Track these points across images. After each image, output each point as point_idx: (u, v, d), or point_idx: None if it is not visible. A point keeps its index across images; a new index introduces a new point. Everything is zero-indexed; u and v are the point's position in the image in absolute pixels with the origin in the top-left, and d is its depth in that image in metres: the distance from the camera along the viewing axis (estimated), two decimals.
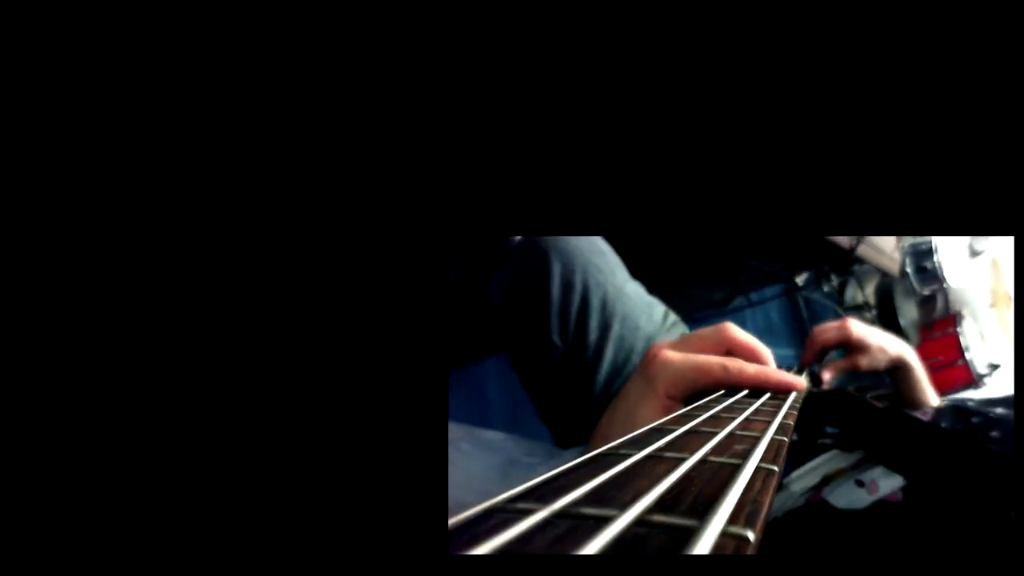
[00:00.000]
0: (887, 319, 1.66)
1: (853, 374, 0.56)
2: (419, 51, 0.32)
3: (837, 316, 2.01)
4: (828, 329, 0.56)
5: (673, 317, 0.72)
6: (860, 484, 0.36)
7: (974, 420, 0.38)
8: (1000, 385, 1.79)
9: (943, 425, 0.41)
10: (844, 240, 1.11)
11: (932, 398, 0.56)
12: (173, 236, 0.30)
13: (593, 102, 0.33)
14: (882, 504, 0.34)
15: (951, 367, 1.76)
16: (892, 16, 0.31)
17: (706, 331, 0.37)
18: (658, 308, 0.70)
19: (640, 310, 0.67)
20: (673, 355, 0.34)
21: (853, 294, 1.99)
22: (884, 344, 0.55)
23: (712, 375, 0.33)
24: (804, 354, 0.58)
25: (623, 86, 0.33)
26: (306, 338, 0.30)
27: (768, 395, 0.31)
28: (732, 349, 0.36)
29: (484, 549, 0.10)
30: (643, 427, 0.20)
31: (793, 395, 0.33)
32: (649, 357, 0.35)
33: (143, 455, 0.28)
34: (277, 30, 0.31)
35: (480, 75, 0.32)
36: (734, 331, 0.37)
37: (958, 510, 0.31)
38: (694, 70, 0.33)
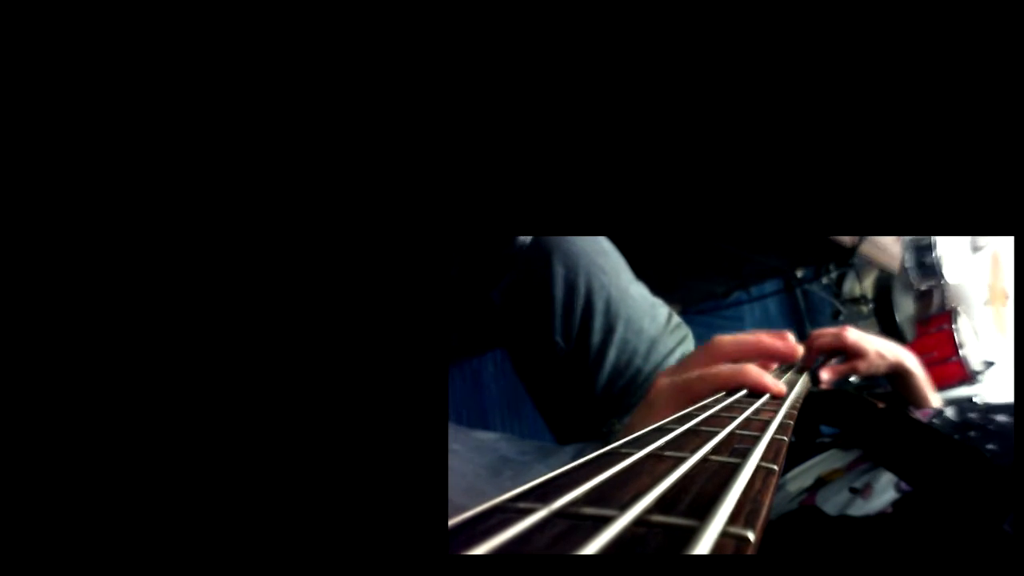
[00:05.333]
0: (884, 313, 1.67)
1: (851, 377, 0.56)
2: (427, 51, 0.31)
3: (834, 309, 2.01)
4: (824, 335, 0.56)
5: (676, 319, 0.72)
6: (854, 491, 0.36)
7: (971, 434, 0.38)
8: (999, 387, 1.80)
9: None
10: (846, 238, 1.11)
11: (933, 400, 0.56)
12: (178, 233, 0.30)
13: (596, 100, 0.33)
14: (873, 515, 0.34)
15: (945, 363, 1.77)
16: (894, 18, 0.31)
17: (698, 349, 0.41)
18: (661, 310, 0.70)
19: (643, 312, 0.67)
20: (663, 381, 0.38)
21: (851, 286, 1.99)
22: (882, 350, 0.55)
23: (693, 391, 0.35)
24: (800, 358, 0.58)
25: (628, 84, 0.33)
26: (305, 338, 0.30)
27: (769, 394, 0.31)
28: (727, 357, 0.39)
29: (484, 549, 0.10)
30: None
31: (794, 394, 0.33)
32: (650, 387, 0.39)
33: (141, 454, 0.28)
34: (278, 30, 0.30)
35: (481, 75, 0.32)
36: (722, 341, 0.40)
37: (950, 520, 0.31)
38: (698, 69, 0.32)
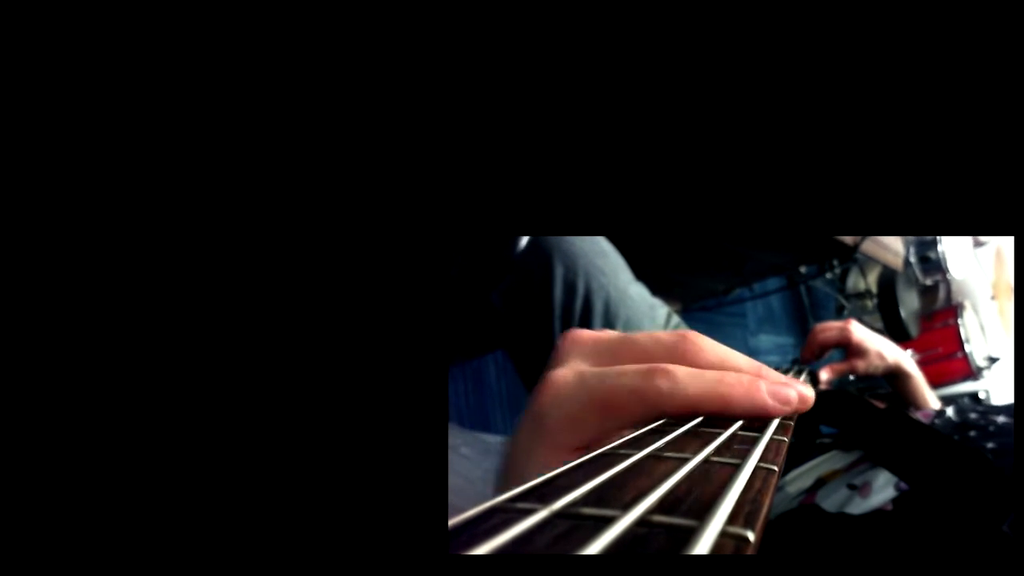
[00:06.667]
0: (888, 309, 1.66)
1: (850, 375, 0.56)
2: (426, 51, 0.31)
3: (838, 304, 2.01)
4: (830, 328, 0.56)
5: (676, 319, 0.72)
6: (852, 487, 0.36)
7: (971, 434, 0.38)
8: (1004, 382, 1.80)
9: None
10: (848, 236, 1.11)
11: (932, 402, 0.56)
12: (174, 234, 0.30)
13: (596, 100, 0.33)
14: (872, 512, 0.34)
15: (950, 359, 1.76)
16: (895, 17, 0.31)
17: (652, 337, 0.23)
18: (661, 310, 0.70)
19: (642, 313, 0.67)
20: (565, 375, 0.22)
21: (855, 282, 1.99)
22: (883, 350, 0.55)
23: (619, 410, 0.20)
24: (804, 352, 0.58)
25: (628, 84, 0.33)
26: (306, 339, 0.30)
27: None
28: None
29: (484, 549, 0.10)
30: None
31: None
32: (542, 380, 0.22)
33: (141, 455, 0.28)
34: (277, 29, 0.30)
35: (480, 75, 0.32)
36: (700, 342, 0.23)
37: (950, 519, 0.31)
38: (699, 68, 0.32)
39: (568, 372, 0.22)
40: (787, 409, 0.21)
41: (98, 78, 0.29)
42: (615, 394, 0.21)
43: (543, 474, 0.14)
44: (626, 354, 0.23)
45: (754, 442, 0.18)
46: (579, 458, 0.16)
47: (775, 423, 0.20)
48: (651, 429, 0.19)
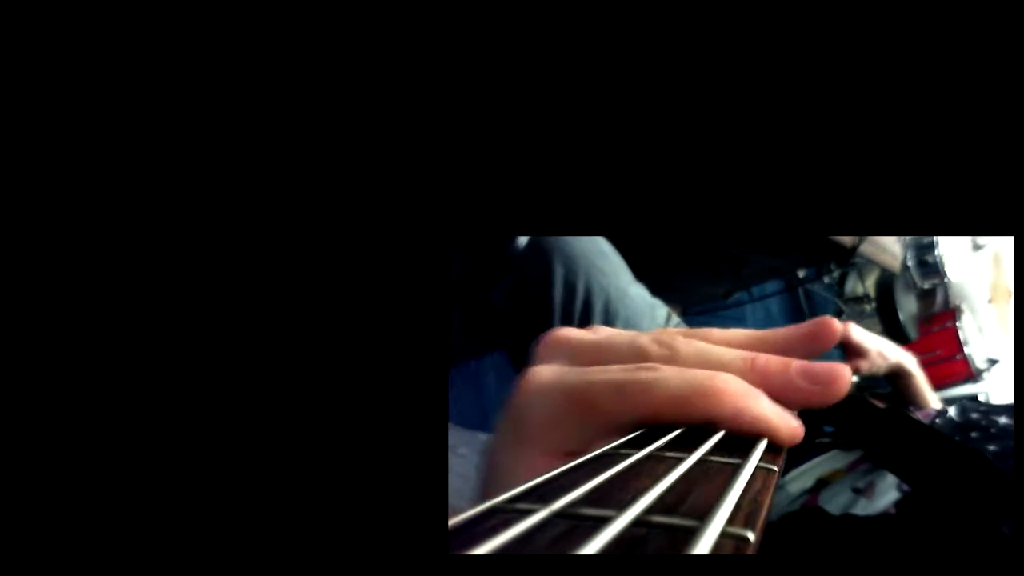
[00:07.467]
0: (886, 312, 1.67)
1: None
2: (421, 49, 0.31)
3: (836, 308, 2.01)
4: None
5: (676, 319, 0.72)
6: (856, 491, 0.36)
7: (973, 435, 0.38)
8: (1004, 384, 1.80)
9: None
10: (847, 239, 1.11)
11: (933, 402, 0.56)
12: (169, 235, 0.30)
13: (594, 100, 0.33)
14: (878, 516, 0.34)
15: (950, 361, 1.76)
16: (894, 16, 0.31)
17: (632, 337, 0.22)
18: (660, 310, 0.70)
19: (643, 313, 0.67)
20: (545, 374, 0.21)
21: (853, 286, 1.99)
22: (884, 350, 0.55)
23: (605, 410, 0.19)
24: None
25: (626, 84, 0.33)
26: (305, 340, 0.30)
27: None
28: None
29: (484, 549, 0.10)
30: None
31: None
32: (520, 379, 0.21)
33: (140, 455, 0.28)
34: (275, 29, 0.30)
35: (479, 75, 0.32)
36: (677, 343, 0.21)
37: (952, 521, 0.30)
38: (697, 68, 0.32)
39: (546, 370, 0.21)
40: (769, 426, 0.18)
41: (95, 77, 0.29)
42: (595, 391, 0.19)
43: (526, 475, 0.14)
44: (609, 354, 0.21)
45: (754, 442, 0.17)
46: (562, 463, 0.15)
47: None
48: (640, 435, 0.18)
